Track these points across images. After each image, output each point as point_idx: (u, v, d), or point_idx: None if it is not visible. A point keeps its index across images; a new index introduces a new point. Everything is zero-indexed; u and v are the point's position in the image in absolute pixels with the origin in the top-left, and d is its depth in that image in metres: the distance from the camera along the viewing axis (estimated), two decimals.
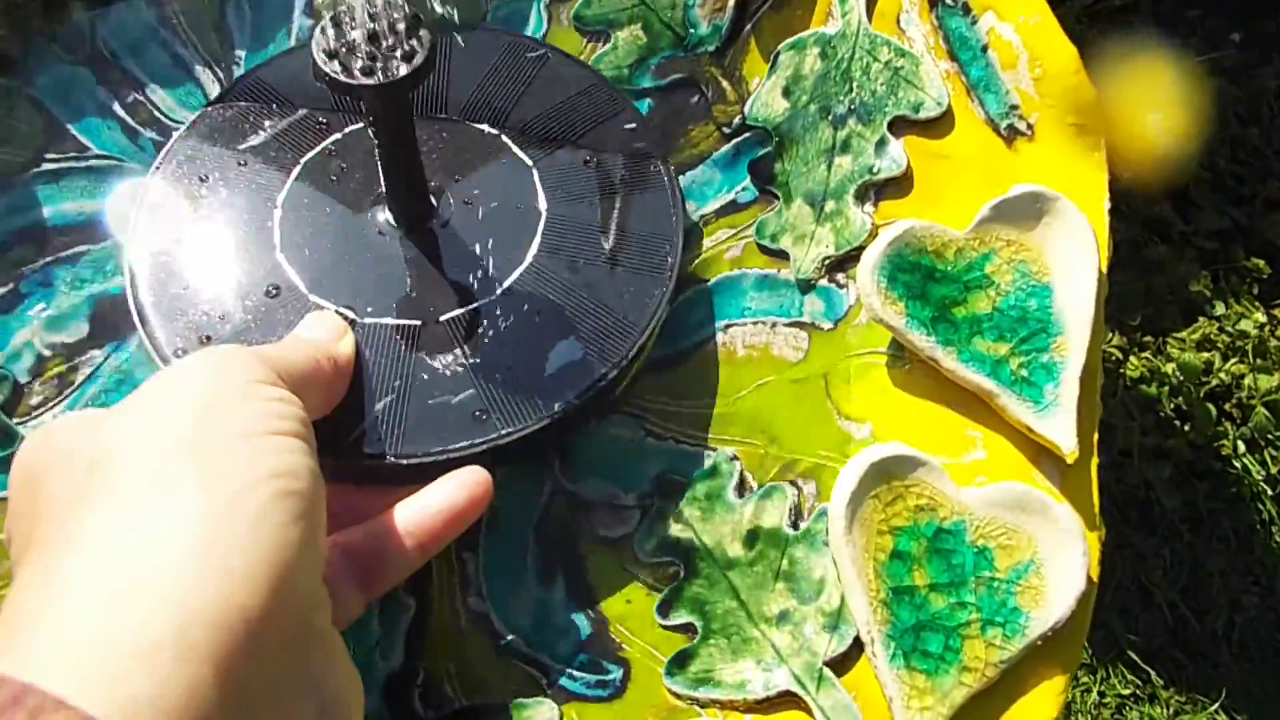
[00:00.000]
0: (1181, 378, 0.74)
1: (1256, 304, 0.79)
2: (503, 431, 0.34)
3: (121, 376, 0.38)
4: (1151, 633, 0.70)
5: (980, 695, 0.32)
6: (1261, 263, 0.81)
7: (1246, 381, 0.75)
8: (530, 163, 0.39)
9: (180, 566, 0.22)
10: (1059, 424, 0.34)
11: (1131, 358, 0.76)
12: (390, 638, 0.35)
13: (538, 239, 0.38)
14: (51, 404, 0.38)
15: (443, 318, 0.36)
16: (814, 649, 0.33)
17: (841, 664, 0.33)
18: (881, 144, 0.38)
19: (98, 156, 0.40)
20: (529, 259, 0.37)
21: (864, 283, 0.35)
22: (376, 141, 0.35)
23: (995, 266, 0.36)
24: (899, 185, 0.38)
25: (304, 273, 0.36)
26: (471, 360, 0.36)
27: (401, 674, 0.34)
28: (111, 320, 0.38)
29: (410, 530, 0.30)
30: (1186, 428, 0.73)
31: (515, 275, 0.37)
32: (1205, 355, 0.76)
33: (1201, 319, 0.77)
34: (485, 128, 0.40)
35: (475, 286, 0.37)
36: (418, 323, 0.36)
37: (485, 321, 0.36)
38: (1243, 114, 0.83)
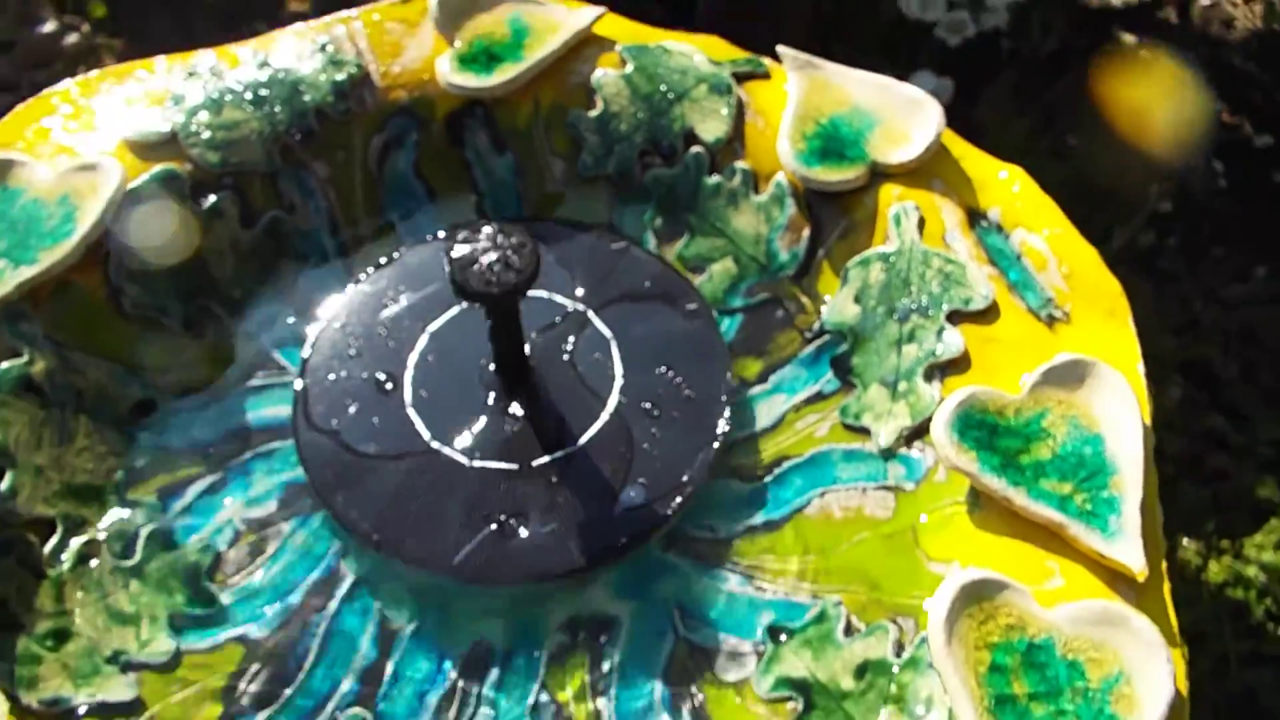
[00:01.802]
0: (1265, 579, 0.75)
1: None
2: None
3: (305, 548, 0.45)
4: None
5: None
6: None
7: None
8: (609, 335, 0.49)
9: None
10: (1127, 548, 0.38)
11: (1211, 563, 0.78)
12: None
13: (613, 399, 0.47)
14: (244, 570, 0.44)
15: (535, 463, 0.45)
16: None
17: None
18: (941, 332, 0.46)
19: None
20: (604, 416, 0.46)
21: (940, 437, 0.41)
22: (490, 325, 0.45)
23: (1050, 421, 0.42)
24: (959, 365, 0.45)
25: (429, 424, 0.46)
26: (556, 498, 0.44)
27: None
28: (297, 501, 0.46)
29: None
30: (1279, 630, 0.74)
31: (593, 429, 0.46)
32: None
33: (1274, 520, 0.79)
34: (572, 304, 0.50)
35: (560, 437, 0.46)
36: (514, 466, 0.45)
37: (568, 466, 0.45)
38: (1274, 341, 0.90)
